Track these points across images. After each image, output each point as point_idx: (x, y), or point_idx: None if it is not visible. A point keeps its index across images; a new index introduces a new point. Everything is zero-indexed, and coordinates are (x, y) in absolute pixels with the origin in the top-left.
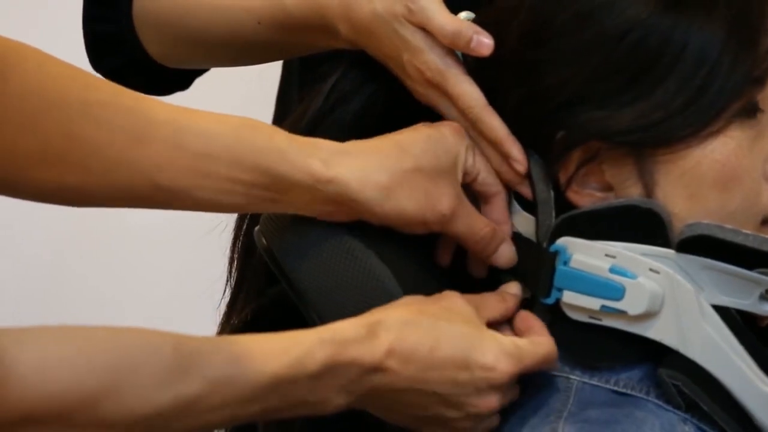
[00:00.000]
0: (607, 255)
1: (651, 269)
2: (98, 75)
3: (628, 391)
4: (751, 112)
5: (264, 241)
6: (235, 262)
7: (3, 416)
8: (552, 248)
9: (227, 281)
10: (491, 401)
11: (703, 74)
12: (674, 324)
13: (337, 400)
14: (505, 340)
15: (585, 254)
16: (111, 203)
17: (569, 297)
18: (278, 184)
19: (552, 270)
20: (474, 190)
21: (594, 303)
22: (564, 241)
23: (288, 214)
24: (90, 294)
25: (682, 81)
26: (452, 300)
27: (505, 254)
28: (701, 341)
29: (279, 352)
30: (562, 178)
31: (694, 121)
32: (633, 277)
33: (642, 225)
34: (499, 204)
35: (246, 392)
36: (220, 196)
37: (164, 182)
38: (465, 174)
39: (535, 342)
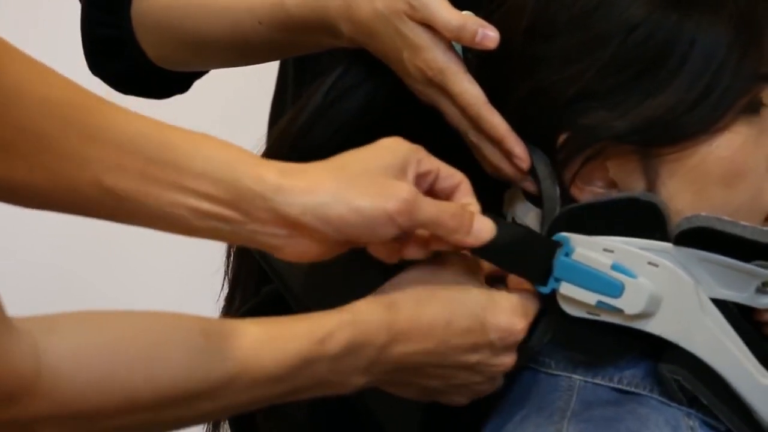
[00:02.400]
0: (605, 249)
1: (650, 263)
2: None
3: (632, 389)
4: (755, 108)
5: None
6: (232, 261)
7: (38, 408)
8: (556, 238)
9: (224, 280)
10: (508, 360)
11: (711, 72)
12: (675, 318)
13: (357, 379)
14: (512, 298)
15: (586, 248)
16: (57, 205)
17: (566, 289)
18: (228, 193)
19: (552, 259)
20: (438, 189)
21: (590, 297)
22: (566, 235)
23: None
24: (91, 294)
25: (691, 79)
26: (456, 263)
27: (485, 227)
28: (702, 335)
29: (304, 332)
30: (567, 174)
31: (702, 119)
32: (634, 276)
33: (642, 219)
34: (465, 190)
35: (274, 372)
36: (167, 208)
37: (111, 185)
38: (424, 174)
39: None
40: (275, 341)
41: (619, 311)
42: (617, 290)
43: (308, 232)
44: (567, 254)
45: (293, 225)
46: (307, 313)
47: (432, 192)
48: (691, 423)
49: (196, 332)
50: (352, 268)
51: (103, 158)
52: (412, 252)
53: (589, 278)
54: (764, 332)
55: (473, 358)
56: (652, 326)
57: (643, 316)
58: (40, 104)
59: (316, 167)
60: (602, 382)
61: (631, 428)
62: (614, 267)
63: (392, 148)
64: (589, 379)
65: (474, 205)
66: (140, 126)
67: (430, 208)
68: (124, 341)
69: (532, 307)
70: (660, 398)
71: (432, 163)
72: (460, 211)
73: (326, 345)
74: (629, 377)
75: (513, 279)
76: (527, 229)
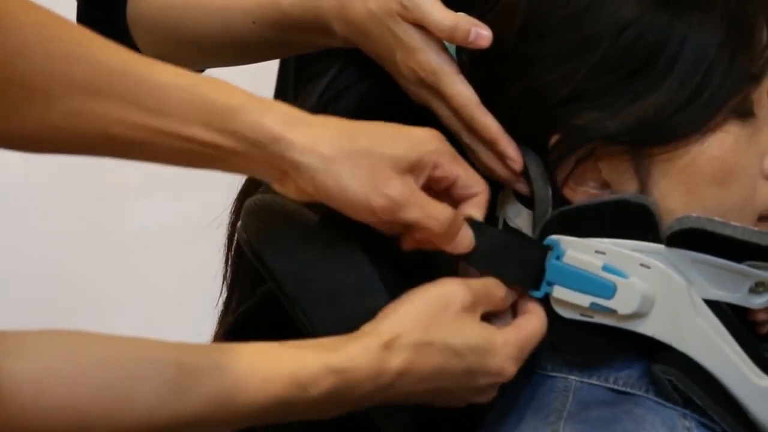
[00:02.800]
0: (597, 251)
1: (642, 264)
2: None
3: (628, 389)
4: (746, 108)
5: (245, 235)
6: (229, 262)
7: None
8: (546, 242)
9: (223, 280)
10: (490, 395)
11: (702, 72)
12: (667, 319)
13: (339, 413)
14: (509, 343)
15: (577, 251)
16: (70, 150)
17: (559, 292)
18: (229, 141)
19: (544, 263)
20: (455, 195)
21: (584, 300)
22: (556, 238)
23: (270, 207)
24: (91, 294)
25: (682, 79)
26: (454, 297)
27: (465, 238)
28: (695, 335)
29: (283, 375)
30: (559, 175)
31: (694, 119)
32: (625, 276)
33: (633, 220)
34: (476, 202)
35: (246, 412)
36: (173, 153)
37: (118, 135)
38: (438, 179)
39: (530, 331)
40: (254, 380)
41: (612, 312)
42: (609, 291)
43: (294, 184)
44: (558, 257)
45: (283, 173)
46: (295, 344)
47: (446, 194)
48: (687, 424)
49: (171, 365)
50: (345, 268)
51: (106, 110)
52: (407, 243)
53: (581, 281)
54: (759, 333)
55: (457, 389)
56: (645, 327)
57: (636, 316)
58: (44, 61)
59: (323, 125)
60: (598, 383)
61: (627, 429)
62: (605, 268)
63: (416, 141)
64: (585, 380)
65: (474, 216)
66: (143, 74)
67: (415, 211)
68: (87, 371)
69: (528, 349)
70: (656, 399)
71: (452, 171)
72: (449, 218)
73: (308, 391)
74: (625, 378)
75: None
76: (517, 235)
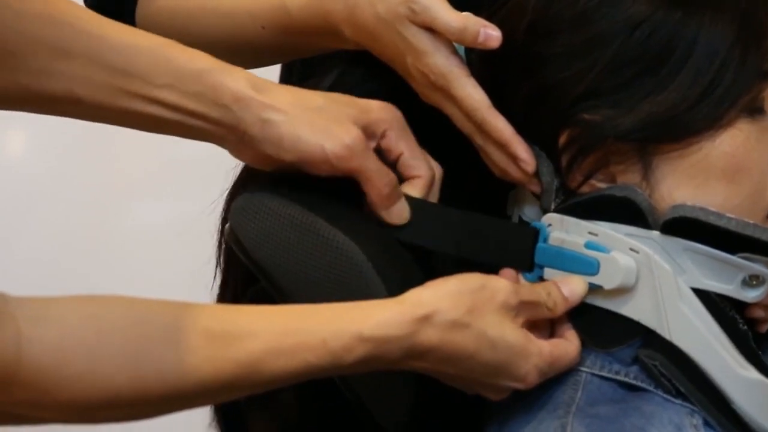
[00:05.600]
0: (590, 233)
1: (631, 248)
2: None
3: (638, 383)
4: (758, 105)
5: (235, 235)
6: (221, 263)
7: (19, 395)
8: (533, 224)
9: (217, 281)
10: (501, 396)
11: (714, 69)
12: (651, 303)
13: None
14: (542, 358)
15: (565, 231)
16: (39, 109)
17: (549, 274)
18: (192, 103)
19: (533, 247)
20: (397, 172)
21: (587, 285)
22: (548, 218)
23: (258, 206)
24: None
25: (694, 76)
26: (501, 294)
27: (401, 212)
28: (677, 322)
29: (315, 343)
30: (568, 169)
31: (706, 116)
32: (607, 251)
33: (623, 211)
34: (418, 184)
35: (276, 377)
36: (138, 117)
37: (84, 96)
38: (385, 150)
39: (563, 353)
40: (285, 349)
41: (599, 288)
42: (594, 268)
43: (252, 149)
44: (545, 240)
45: (239, 138)
46: (329, 308)
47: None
48: (695, 421)
49: (198, 332)
50: (339, 262)
51: (73, 71)
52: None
53: (566, 260)
54: (758, 330)
55: (474, 382)
56: (630, 310)
57: (621, 292)
58: (15, 20)
59: (284, 89)
60: (609, 375)
61: (636, 425)
62: (587, 245)
63: (370, 107)
64: (596, 372)
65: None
66: (110, 36)
67: (369, 161)
68: (111, 337)
69: (556, 368)
70: (664, 395)
71: (398, 145)
72: (393, 180)
73: (341, 359)
74: (635, 372)
75: (558, 326)
76: (501, 221)
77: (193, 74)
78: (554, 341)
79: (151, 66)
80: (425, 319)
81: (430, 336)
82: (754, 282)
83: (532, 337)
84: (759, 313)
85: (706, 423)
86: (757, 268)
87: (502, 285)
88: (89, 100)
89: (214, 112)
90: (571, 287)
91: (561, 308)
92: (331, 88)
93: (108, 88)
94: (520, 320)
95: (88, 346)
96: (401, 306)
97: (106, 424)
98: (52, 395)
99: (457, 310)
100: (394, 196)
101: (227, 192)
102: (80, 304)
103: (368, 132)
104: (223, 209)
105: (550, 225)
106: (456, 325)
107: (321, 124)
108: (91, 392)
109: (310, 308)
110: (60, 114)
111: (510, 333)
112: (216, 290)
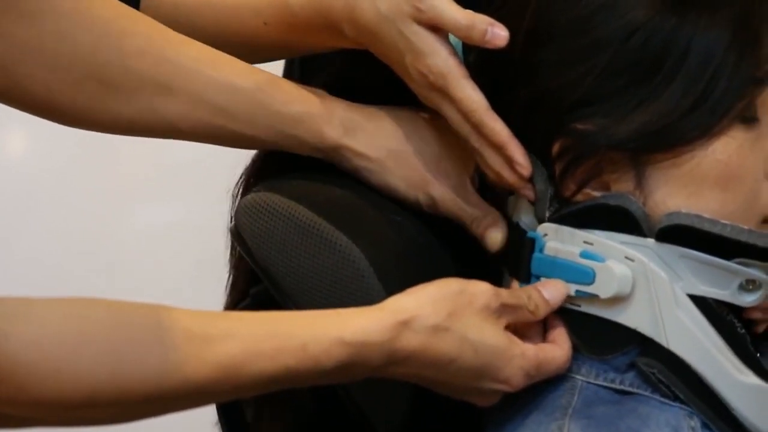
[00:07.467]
0: (585, 242)
1: (627, 257)
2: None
3: (633, 390)
4: (751, 112)
5: (240, 235)
6: (231, 263)
7: None
8: (528, 235)
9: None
10: (490, 401)
11: (708, 75)
12: (648, 311)
13: (349, 381)
14: (526, 359)
15: (560, 241)
16: (140, 136)
17: None
18: (287, 142)
19: (530, 256)
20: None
21: (569, 289)
22: (544, 228)
23: (263, 206)
24: (91, 295)
25: (688, 83)
26: (482, 298)
27: (494, 237)
28: (674, 329)
29: (295, 346)
30: (561, 177)
31: (699, 124)
32: (602, 260)
33: (618, 220)
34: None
35: (256, 380)
36: (237, 144)
37: (185, 129)
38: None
39: (550, 356)
40: (265, 352)
41: (595, 297)
42: (589, 277)
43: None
44: (540, 249)
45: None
46: (310, 314)
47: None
48: (692, 423)
49: (178, 331)
50: (340, 264)
51: (176, 107)
52: None
53: (562, 270)
54: (756, 332)
55: (459, 387)
56: (627, 318)
57: (617, 300)
58: (120, 58)
59: (378, 128)
60: (604, 383)
61: (632, 426)
62: (582, 254)
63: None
64: (591, 380)
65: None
66: (208, 74)
67: (455, 204)
68: (92, 335)
69: (544, 371)
70: (661, 399)
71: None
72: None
73: (319, 362)
74: (631, 379)
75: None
76: (516, 228)
77: (293, 119)
78: (541, 345)
79: (250, 107)
80: (405, 324)
81: (410, 341)
82: (751, 286)
83: (515, 339)
84: (757, 314)
85: (705, 425)
86: (753, 272)
87: (482, 289)
88: (189, 132)
89: (313, 154)
90: (551, 290)
91: (543, 311)
92: (330, 88)
93: (209, 125)
94: (503, 323)
95: (68, 343)
96: (381, 312)
97: (106, 425)
98: (27, 391)
99: (437, 315)
100: (486, 223)
101: (235, 190)
102: (62, 305)
103: None
104: (231, 208)
105: (545, 235)
106: (436, 329)
107: (412, 175)
108: (70, 389)
109: (292, 314)
110: (158, 138)
111: (491, 335)
112: (220, 291)
